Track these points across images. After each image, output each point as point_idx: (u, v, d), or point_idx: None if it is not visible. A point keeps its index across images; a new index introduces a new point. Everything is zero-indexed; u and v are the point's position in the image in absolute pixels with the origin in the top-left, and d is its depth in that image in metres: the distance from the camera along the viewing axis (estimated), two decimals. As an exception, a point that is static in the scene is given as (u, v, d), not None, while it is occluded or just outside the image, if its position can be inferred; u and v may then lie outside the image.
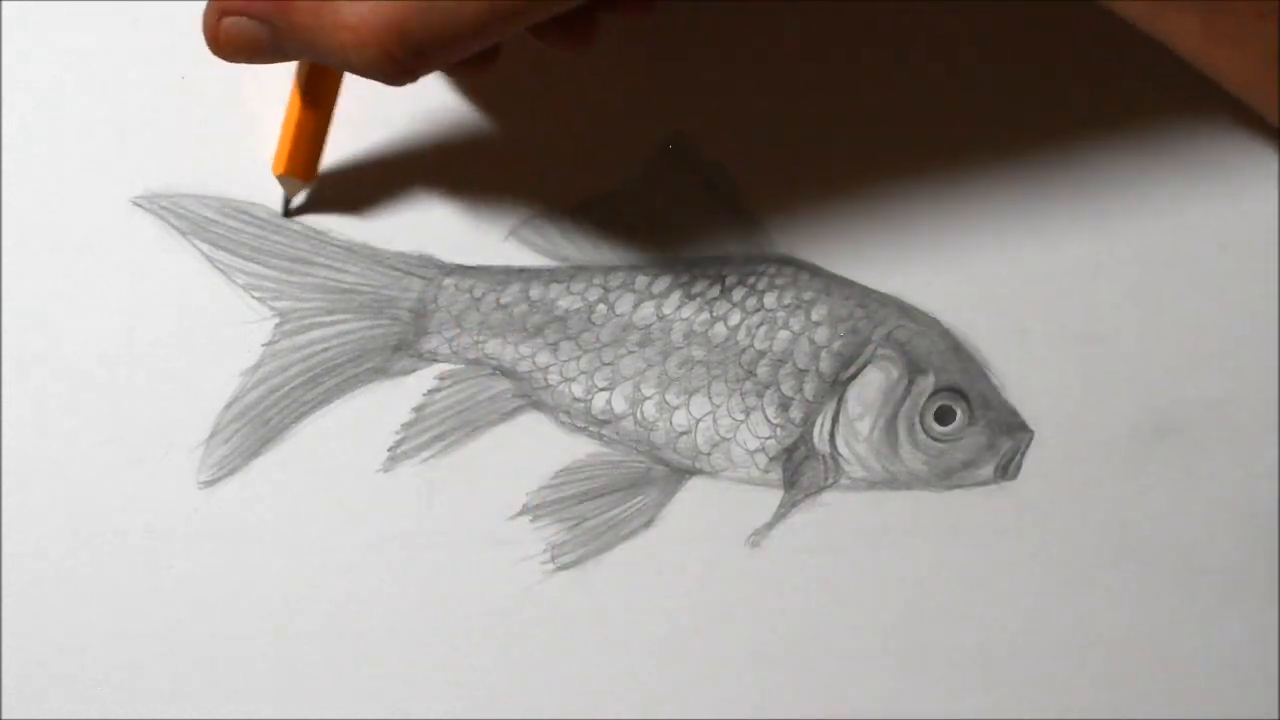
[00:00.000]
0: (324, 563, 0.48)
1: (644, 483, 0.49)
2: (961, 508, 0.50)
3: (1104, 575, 0.50)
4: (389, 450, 0.47)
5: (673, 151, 0.47)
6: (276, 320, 0.47)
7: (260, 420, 0.47)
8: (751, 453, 0.49)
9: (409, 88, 0.46)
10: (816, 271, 0.48)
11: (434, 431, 0.47)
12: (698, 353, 0.48)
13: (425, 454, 0.48)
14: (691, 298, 0.48)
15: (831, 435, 0.49)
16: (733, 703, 0.48)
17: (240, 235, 0.46)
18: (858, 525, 0.49)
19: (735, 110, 0.47)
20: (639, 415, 0.48)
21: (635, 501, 0.49)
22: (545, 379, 0.48)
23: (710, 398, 0.48)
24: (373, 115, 0.46)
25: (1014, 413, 0.49)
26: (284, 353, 0.47)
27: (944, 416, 0.49)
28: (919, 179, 0.48)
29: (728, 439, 0.49)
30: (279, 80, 0.46)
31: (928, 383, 0.49)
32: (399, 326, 0.47)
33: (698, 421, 0.49)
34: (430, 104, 0.47)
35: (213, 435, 0.47)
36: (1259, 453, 0.50)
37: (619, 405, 0.48)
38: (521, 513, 0.48)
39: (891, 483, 0.49)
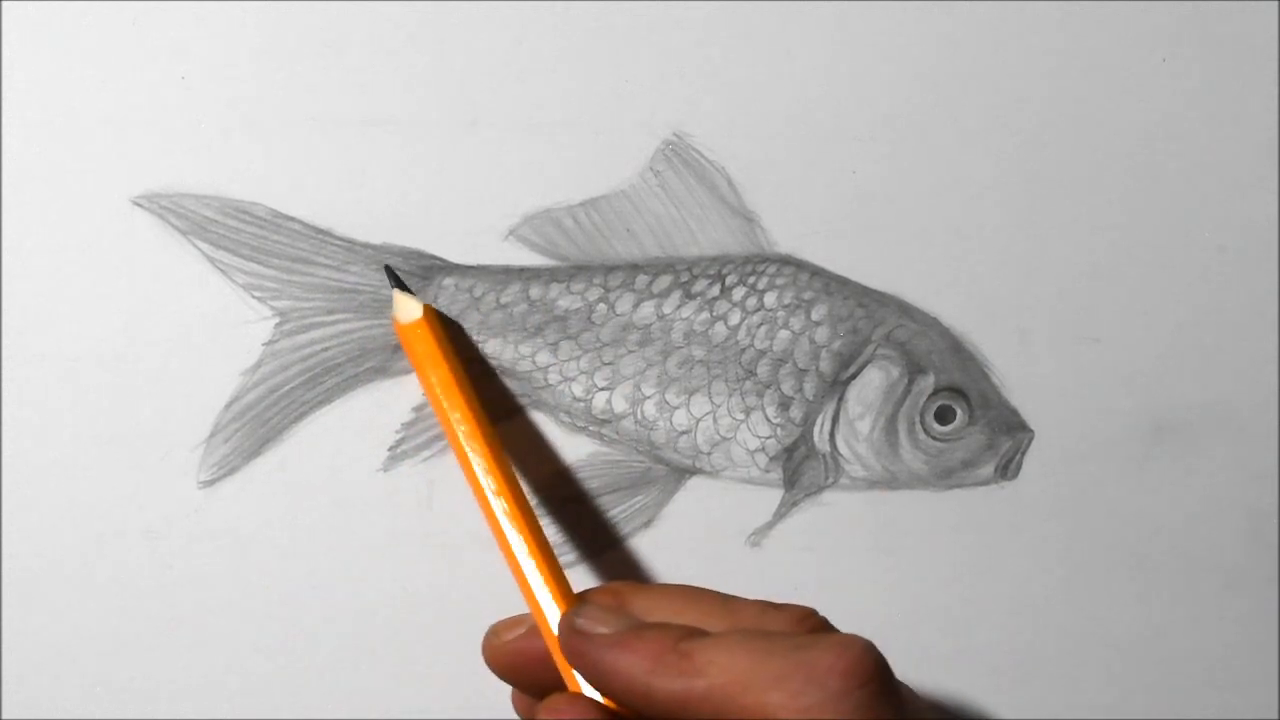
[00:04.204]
0: (324, 563, 0.48)
1: (644, 482, 0.49)
2: (961, 508, 0.50)
3: (1104, 575, 0.50)
4: (389, 450, 0.47)
5: (673, 151, 0.47)
6: (276, 320, 0.47)
7: (260, 420, 0.47)
8: (752, 452, 0.49)
9: (405, 85, 0.46)
10: (816, 271, 0.48)
11: (434, 431, 0.47)
12: (698, 352, 0.48)
13: (425, 454, 0.48)
14: (691, 297, 0.48)
15: (831, 435, 0.49)
16: (733, 703, 0.48)
17: (240, 235, 0.46)
18: (858, 525, 0.49)
19: (735, 110, 0.47)
20: (639, 415, 0.48)
21: (635, 501, 0.49)
22: (545, 379, 0.48)
23: (710, 397, 0.48)
24: (372, 115, 0.46)
25: (1014, 412, 0.49)
26: (284, 353, 0.47)
27: (944, 416, 0.49)
28: (919, 179, 0.48)
29: (728, 438, 0.49)
30: (279, 82, 0.46)
31: (928, 382, 0.49)
32: (399, 326, 0.47)
33: (698, 421, 0.49)
34: (429, 103, 0.47)
35: (213, 435, 0.47)
36: (1259, 453, 0.50)
37: (619, 405, 0.48)
38: (521, 512, 0.48)
39: (891, 483, 0.49)
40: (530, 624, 0.43)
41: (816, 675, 0.37)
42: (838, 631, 0.40)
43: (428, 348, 0.45)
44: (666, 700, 0.38)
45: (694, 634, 0.39)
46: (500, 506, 0.43)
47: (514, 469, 0.45)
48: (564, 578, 0.43)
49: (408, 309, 0.45)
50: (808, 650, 0.38)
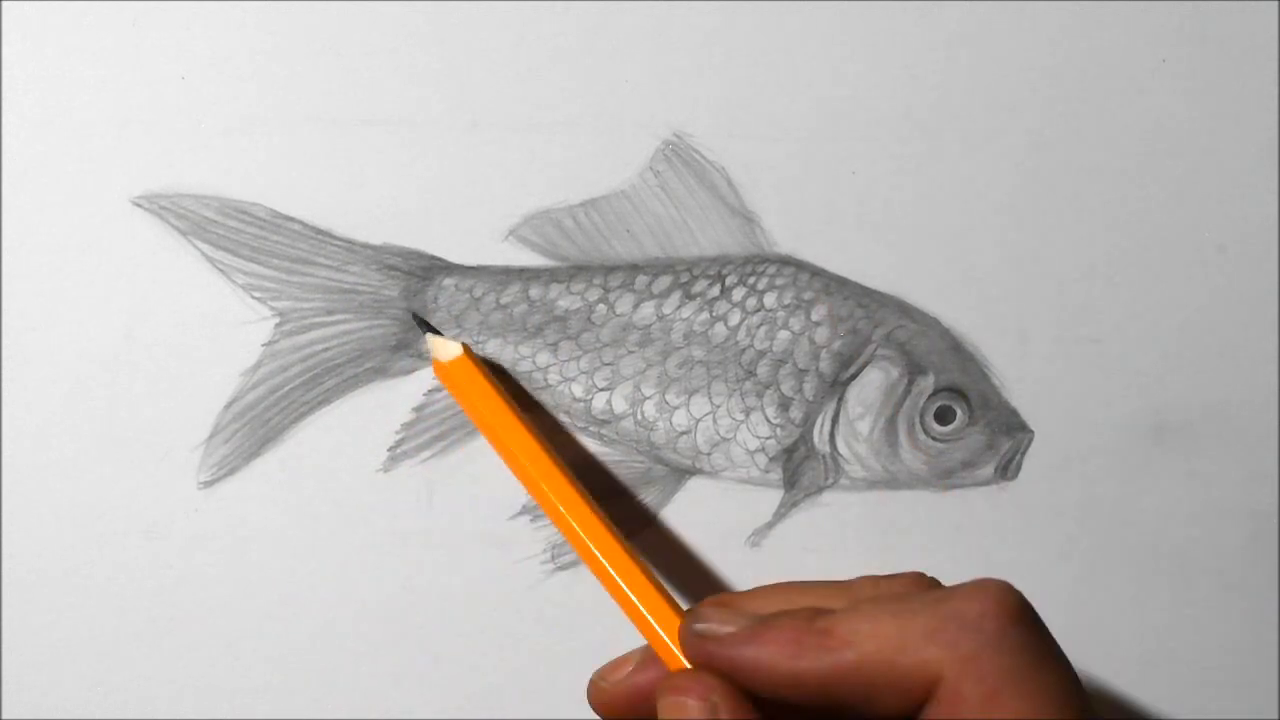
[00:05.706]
0: (324, 563, 0.48)
1: (644, 482, 0.49)
2: (961, 508, 0.50)
3: (1104, 575, 0.50)
4: (389, 450, 0.47)
5: (673, 151, 0.47)
6: (276, 320, 0.47)
7: (260, 420, 0.47)
8: (751, 453, 0.49)
9: (405, 85, 0.46)
10: (816, 271, 0.48)
11: (434, 431, 0.47)
12: (698, 353, 0.48)
13: (425, 454, 0.48)
14: (691, 298, 0.48)
15: (831, 435, 0.49)
16: (733, 703, 0.48)
17: (240, 235, 0.46)
18: (858, 525, 0.49)
19: (735, 110, 0.47)
20: (639, 415, 0.48)
21: (635, 501, 0.49)
22: (545, 379, 0.48)
23: (710, 398, 0.48)
24: (372, 115, 0.46)
25: (1014, 413, 0.49)
26: (284, 353, 0.47)
27: (944, 416, 0.49)
28: (919, 179, 0.48)
29: (728, 439, 0.49)
30: (279, 82, 0.46)
31: (928, 383, 0.49)
32: (399, 326, 0.47)
33: (698, 421, 0.49)
34: (429, 103, 0.47)
35: (213, 435, 0.47)
36: (1259, 453, 0.50)
37: (619, 405, 0.48)
38: (521, 512, 0.48)
39: (891, 483, 0.49)
40: (636, 660, 0.42)
41: (970, 622, 0.36)
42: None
43: (476, 382, 0.45)
44: (816, 681, 0.37)
45: (824, 613, 0.38)
46: (592, 534, 0.43)
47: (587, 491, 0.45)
48: (665, 590, 0.42)
49: (446, 349, 0.46)
50: (950, 602, 0.36)
